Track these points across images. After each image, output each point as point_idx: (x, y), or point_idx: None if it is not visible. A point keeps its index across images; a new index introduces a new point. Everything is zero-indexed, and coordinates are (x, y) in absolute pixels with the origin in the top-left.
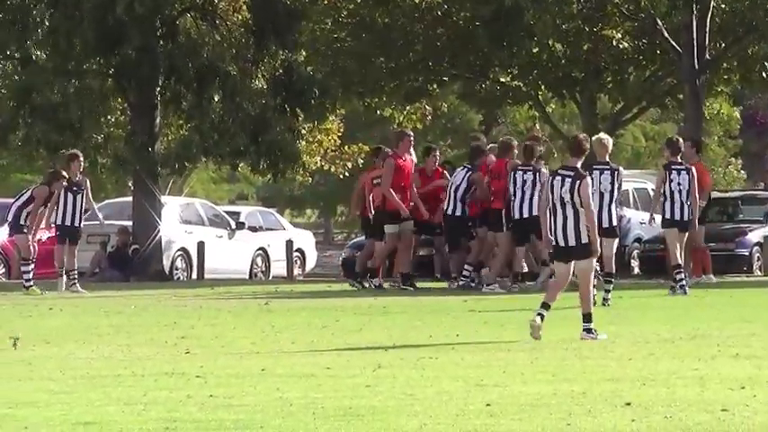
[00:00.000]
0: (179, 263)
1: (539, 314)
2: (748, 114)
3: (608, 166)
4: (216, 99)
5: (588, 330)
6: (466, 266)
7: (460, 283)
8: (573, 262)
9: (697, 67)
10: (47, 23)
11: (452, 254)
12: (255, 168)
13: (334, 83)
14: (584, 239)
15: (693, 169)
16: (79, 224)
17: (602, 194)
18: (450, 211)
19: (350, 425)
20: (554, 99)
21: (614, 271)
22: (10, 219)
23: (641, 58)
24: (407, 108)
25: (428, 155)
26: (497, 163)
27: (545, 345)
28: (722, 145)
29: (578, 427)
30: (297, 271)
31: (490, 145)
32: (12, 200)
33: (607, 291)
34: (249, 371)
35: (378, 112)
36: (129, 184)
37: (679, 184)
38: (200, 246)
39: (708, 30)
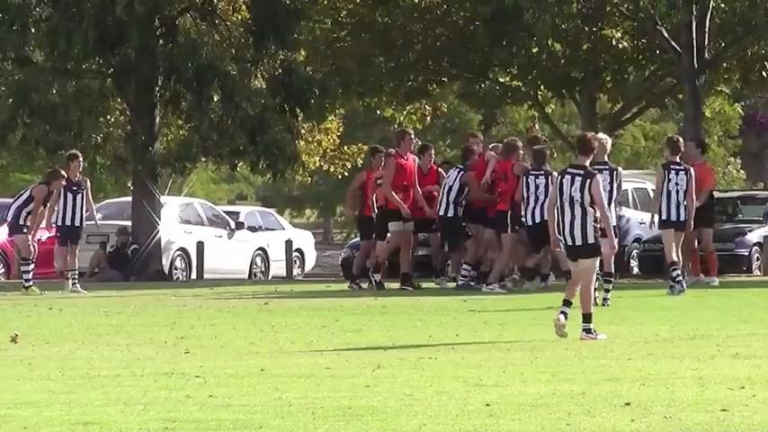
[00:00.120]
0: (178, 263)
1: (562, 312)
2: (748, 114)
3: (606, 166)
4: (215, 99)
5: (588, 331)
6: (464, 266)
7: (460, 283)
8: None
9: (696, 66)
10: (47, 23)
11: (451, 254)
12: (255, 168)
13: (334, 83)
14: (591, 239)
15: (692, 170)
16: (80, 224)
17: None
18: (442, 212)
19: (349, 425)
20: (553, 99)
21: (613, 271)
22: (9, 219)
23: (641, 57)
24: (407, 108)
25: (423, 153)
26: (503, 164)
27: (544, 345)
28: (722, 145)
29: (578, 427)
30: (296, 271)
31: (492, 144)
32: (11, 200)
33: (606, 291)
34: (248, 371)
35: (377, 111)
36: (129, 185)
37: (677, 184)
38: (200, 246)
39: (707, 29)
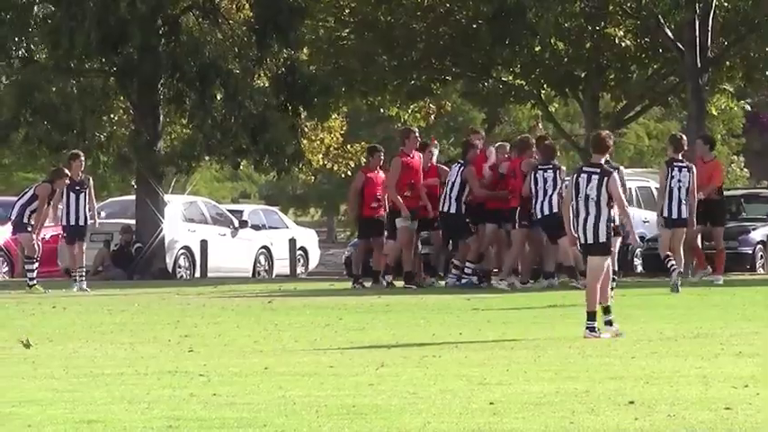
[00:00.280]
0: (182, 261)
1: (606, 322)
2: (751, 112)
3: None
4: (218, 98)
5: (591, 329)
6: (467, 264)
7: (463, 281)
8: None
9: (699, 65)
10: (49, 22)
11: (455, 251)
12: (258, 166)
13: (337, 81)
14: (602, 238)
15: (694, 168)
16: (84, 223)
17: None
18: (445, 209)
19: (353, 423)
20: (557, 97)
21: (616, 269)
22: (13, 217)
23: (644, 56)
24: (411, 106)
25: (423, 151)
26: (514, 161)
27: (548, 343)
28: (725, 143)
29: (581, 425)
30: (300, 269)
31: (498, 144)
32: (15, 198)
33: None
34: (252, 369)
35: (381, 110)
36: (132, 183)
37: (679, 181)
38: (204, 244)
39: (710, 28)
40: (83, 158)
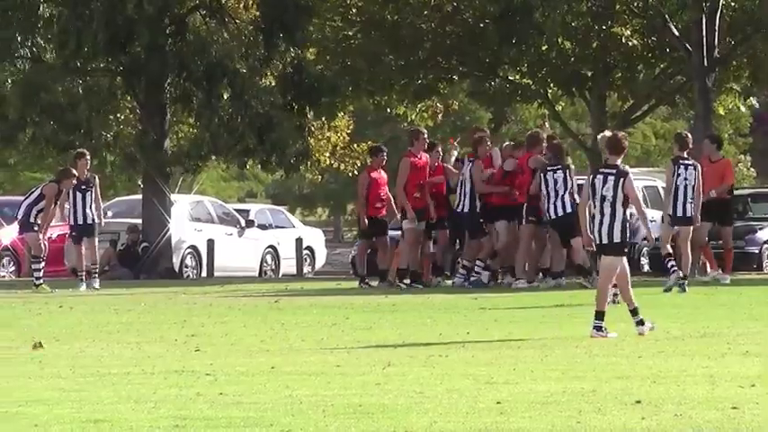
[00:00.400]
0: (189, 261)
1: (637, 323)
2: (758, 112)
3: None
4: (225, 97)
5: (598, 328)
6: (477, 263)
7: (472, 279)
8: (624, 258)
9: (706, 64)
10: (55, 21)
11: (461, 251)
12: (265, 165)
13: (344, 81)
14: (617, 239)
15: (699, 166)
16: (92, 221)
17: None
18: (459, 208)
19: (359, 423)
20: (563, 97)
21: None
22: (20, 217)
23: (651, 55)
24: (419, 105)
25: (431, 151)
26: (521, 157)
27: (555, 343)
28: (732, 142)
29: (588, 424)
30: (306, 269)
31: (506, 144)
32: (21, 198)
33: (614, 285)
34: (259, 368)
35: (388, 110)
36: (139, 183)
37: (685, 179)
38: (210, 243)
39: (717, 28)
40: (88, 157)
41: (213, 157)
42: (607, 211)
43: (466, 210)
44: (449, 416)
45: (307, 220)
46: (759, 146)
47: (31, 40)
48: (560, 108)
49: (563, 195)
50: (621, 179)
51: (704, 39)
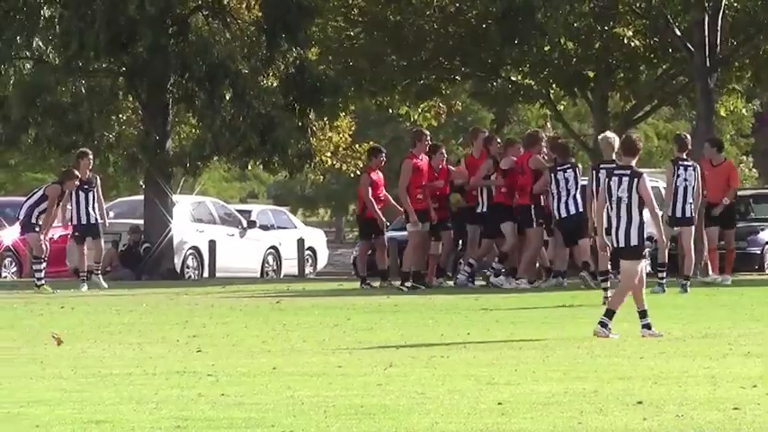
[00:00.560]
0: (190, 261)
1: (644, 326)
2: (760, 113)
3: (614, 165)
4: (227, 98)
5: (604, 324)
6: (494, 264)
7: (492, 281)
8: (641, 260)
9: (708, 65)
10: (56, 22)
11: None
12: (268, 166)
13: (346, 81)
14: (634, 241)
15: (699, 167)
16: (95, 220)
17: None
18: (479, 209)
19: (361, 423)
20: (565, 97)
21: (610, 269)
22: (21, 217)
23: (653, 56)
24: (421, 106)
25: (435, 153)
26: (521, 157)
27: (556, 343)
28: (734, 143)
29: (590, 425)
30: (308, 269)
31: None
32: (23, 198)
33: (605, 289)
34: (260, 369)
35: (390, 110)
36: (141, 183)
37: (685, 180)
38: (212, 244)
39: (719, 28)
40: (91, 157)
41: (215, 158)
42: (623, 213)
43: (485, 209)
44: (450, 417)
45: (308, 221)
46: (761, 147)
47: (33, 41)
48: (562, 108)
49: (574, 195)
50: (635, 180)
51: (706, 39)
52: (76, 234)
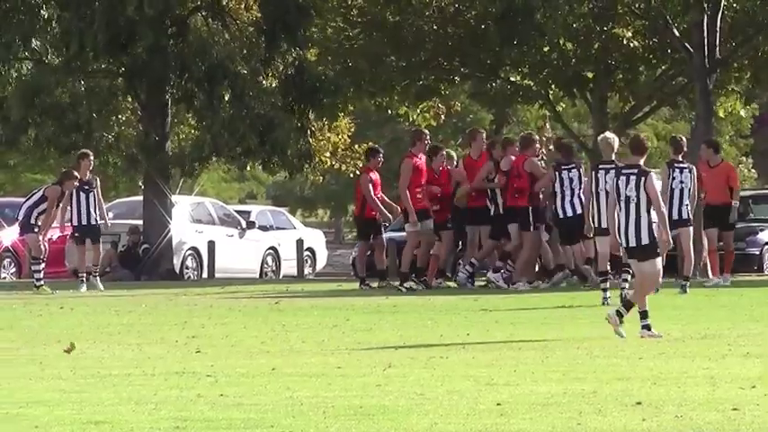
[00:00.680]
0: (189, 262)
1: (643, 326)
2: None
3: (613, 166)
4: (226, 98)
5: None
6: (508, 266)
7: (503, 274)
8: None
9: (708, 66)
10: (55, 24)
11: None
12: (267, 167)
13: (345, 81)
14: (645, 240)
15: (695, 168)
16: (96, 222)
17: (607, 193)
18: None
19: (360, 424)
20: (565, 98)
21: (609, 269)
22: (21, 218)
23: (652, 57)
24: (420, 106)
25: (435, 155)
26: (516, 160)
27: (556, 344)
28: (733, 144)
29: (589, 426)
30: (307, 270)
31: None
32: (23, 199)
33: (604, 290)
34: (259, 370)
35: (389, 111)
36: (140, 184)
37: (681, 182)
38: (211, 245)
39: (719, 29)
40: (92, 158)
41: (214, 159)
42: (632, 212)
43: (500, 212)
44: (449, 417)
45: (307, 222)
46: (760, 147)
47: (33, 42)
48: (561, 109)
49: (579, 194)
50: (643, 178)
51: (706, 40)
52: (76, 235)
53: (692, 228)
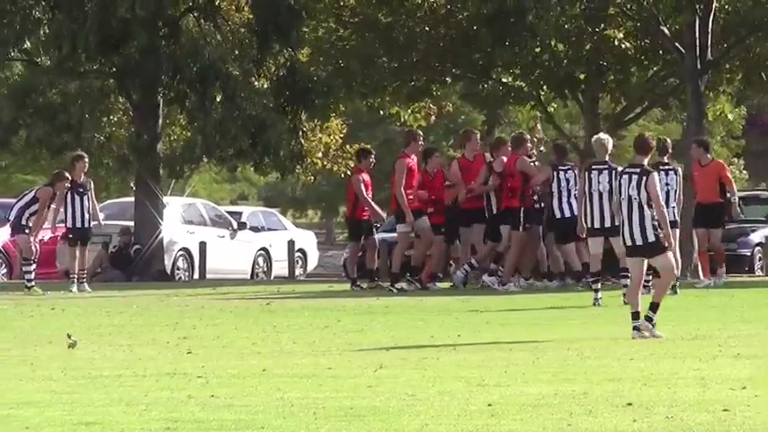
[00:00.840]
0: (181, 263)
1: (634, 327)
2: (751, 114)
3: (606, 166)
4: (218, 99)
5: (649, 319)
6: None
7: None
8: (644, 260)
9: (699, 67)
10: (47, 25)
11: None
12: (259, 168)
13: (337, 82)
14: (651, 238)
15: (680, 170)
16: (89, 225)
17: (600, 194)
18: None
19: (351, 425)
20: (556, 99)
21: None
22: (12, 219)
23: (643, 58)
24: (412, 106)
25: (430, 156)
26: (508, 160)
27: (546, 345)
28: (725, 145)
29: (579, 427)
30: (298, 271)
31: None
32: (14, 200)
33: (596, 291)
34: (250, 371)
35: (381, 111)
36: (132, 184)
37: (667, 184)
38: (202, 246)
39: (710, 30)
40: (86, 160)
41: (205, 160)
42: (635, 211)
43: (495, 212)
44: (440, 418)
45: (298, 223)
46: (752, 148)
47: (24, 42)
48: (553, 110)
49: (575, 195)
50: (644, 178)
51: (697, 41)
52: (70, 236)
53: (678, 230)
